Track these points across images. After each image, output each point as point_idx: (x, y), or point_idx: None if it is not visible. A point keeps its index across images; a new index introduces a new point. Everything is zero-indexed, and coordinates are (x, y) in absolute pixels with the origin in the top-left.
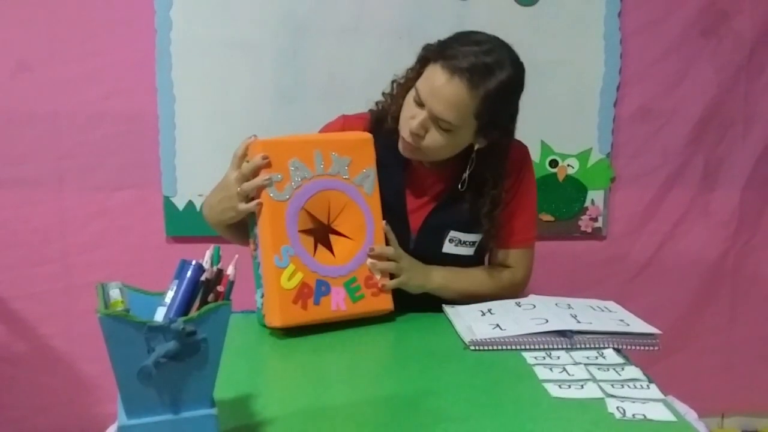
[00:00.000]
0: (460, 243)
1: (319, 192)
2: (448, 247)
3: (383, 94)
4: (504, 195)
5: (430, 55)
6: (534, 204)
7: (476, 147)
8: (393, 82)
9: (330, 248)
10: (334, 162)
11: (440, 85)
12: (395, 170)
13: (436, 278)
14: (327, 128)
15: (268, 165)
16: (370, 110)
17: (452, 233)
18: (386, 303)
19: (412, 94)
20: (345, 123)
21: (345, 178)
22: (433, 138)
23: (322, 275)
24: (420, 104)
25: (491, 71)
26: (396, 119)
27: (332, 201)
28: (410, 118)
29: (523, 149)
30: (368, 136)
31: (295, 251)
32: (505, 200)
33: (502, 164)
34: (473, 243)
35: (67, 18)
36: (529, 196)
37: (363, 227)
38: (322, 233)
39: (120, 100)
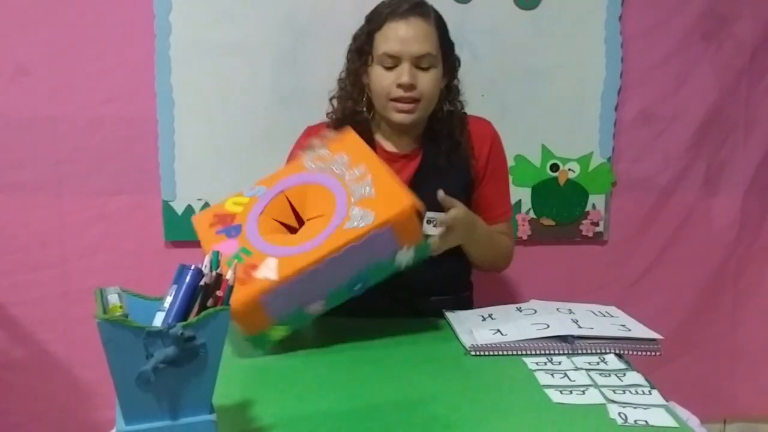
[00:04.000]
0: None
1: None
2: (427, 229)
3: (335, 97)
4: (477, 170)
5: (371, 28)
6: (507, 176)
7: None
8: (340, 80)
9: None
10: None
11: (404, 31)
12: None
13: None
14: (297, 144)
15: None
16: (328, 121)
17: (428, 214)
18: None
19: (376, 68)
20: (311, 131)
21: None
22: (424, 80)
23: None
24: (392, 66)
25: (424, 3)
26: (363, 107)
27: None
28: (393, 82)
29: (487, 125)
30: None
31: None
32: (480, 175)
33: (462, 128)
34: None
35: (66, 22)
36: (503, 168)
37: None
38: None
39: (119, 104)
